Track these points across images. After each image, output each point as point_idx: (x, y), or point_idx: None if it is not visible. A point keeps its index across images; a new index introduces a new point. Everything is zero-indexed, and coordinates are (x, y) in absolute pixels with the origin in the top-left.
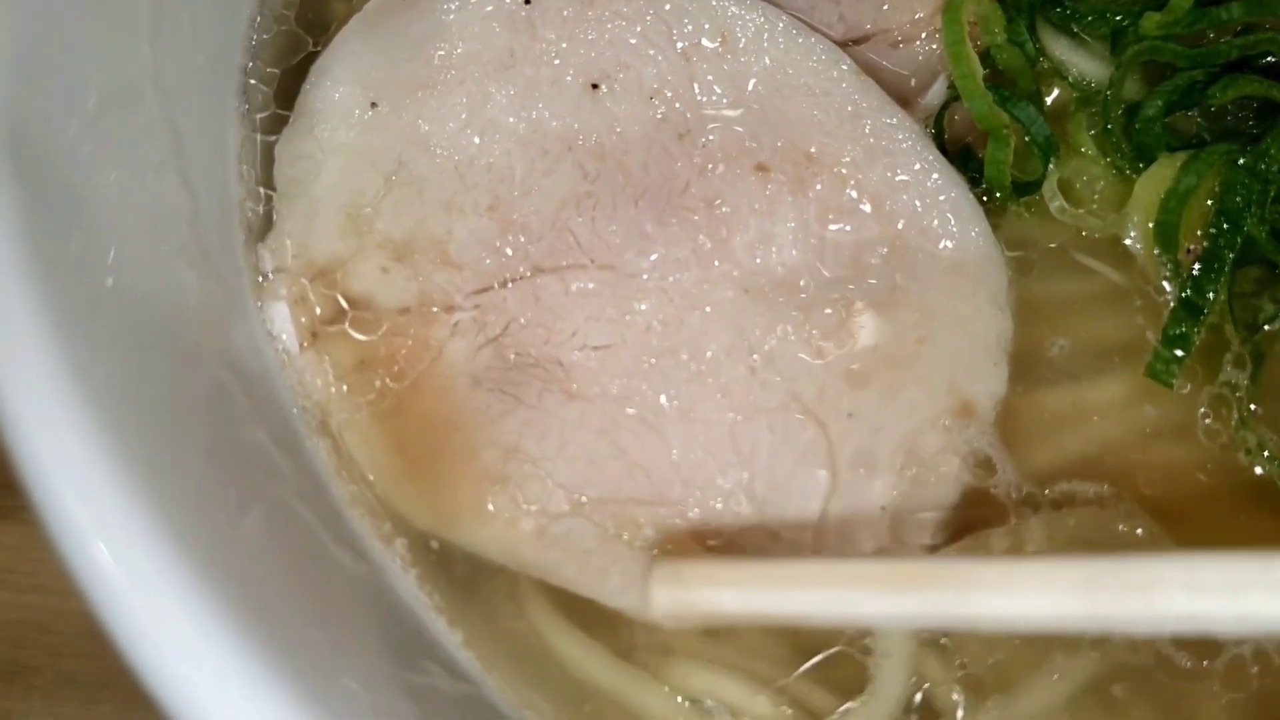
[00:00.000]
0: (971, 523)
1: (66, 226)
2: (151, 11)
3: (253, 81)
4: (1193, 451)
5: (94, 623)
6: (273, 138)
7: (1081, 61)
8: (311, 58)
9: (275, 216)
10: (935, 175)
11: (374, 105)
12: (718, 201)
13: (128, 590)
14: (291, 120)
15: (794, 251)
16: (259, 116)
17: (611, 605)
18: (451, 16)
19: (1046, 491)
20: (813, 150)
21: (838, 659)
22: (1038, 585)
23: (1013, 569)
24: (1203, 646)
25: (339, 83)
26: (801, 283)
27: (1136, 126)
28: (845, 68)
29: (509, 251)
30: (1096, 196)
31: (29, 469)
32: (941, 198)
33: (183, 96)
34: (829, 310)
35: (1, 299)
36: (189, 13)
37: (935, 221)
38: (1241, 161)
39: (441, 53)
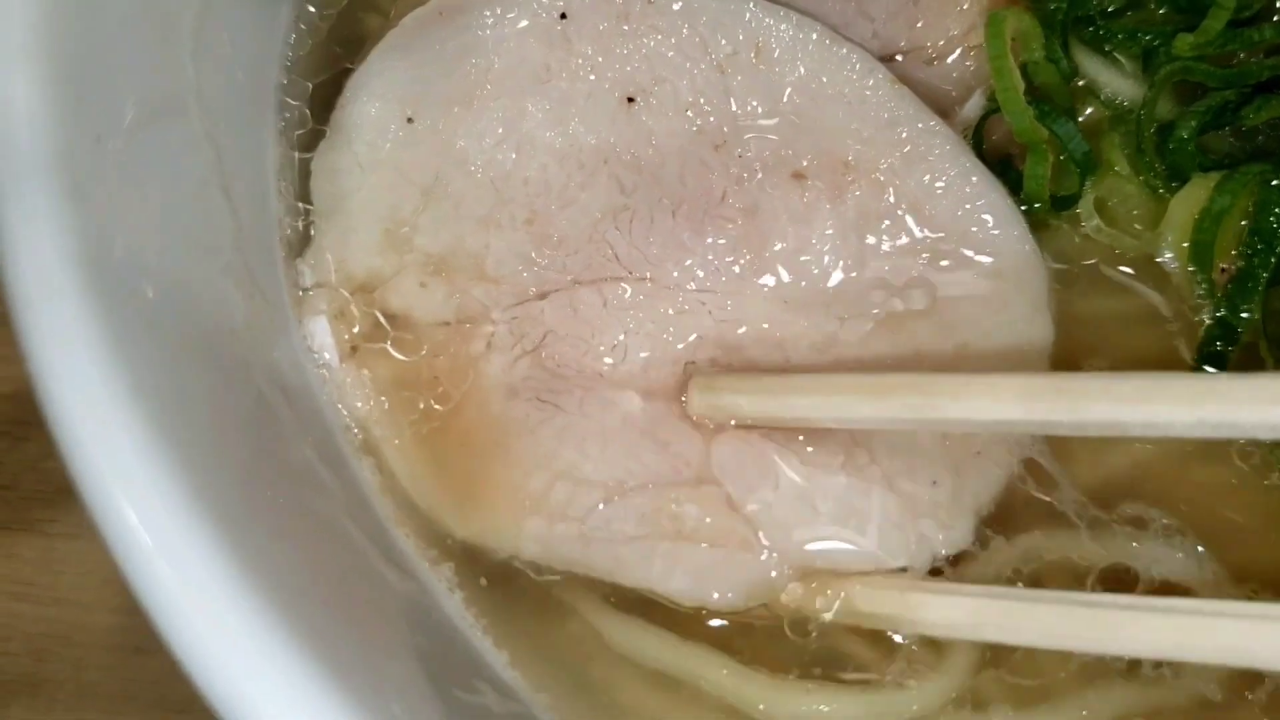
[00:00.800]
0: (1024, 523)
1: (116, 243)
2: (194, 29)
3: (288, 98)
4: (1228, 472)
5: (116, 636)
6: (309, 153)
7: (1114, 80)
8: (346, 73)
9: (314, 232)
10: (974, 178)
11: (410, 121)
12: (755, 211)
13: (188, 607)
14: (328, 135)
15: (833, 259)
16: (296, 133)
17: (658, 591)
18: (487, 32)
19: (1095, 503)
20: (850, 158)
21: None
22: (988, 395)
23: (968, 382)
24: (1244, 678)
25: (375, 98)
26: (841, 290)
27: (1170, 147)
28: (880, 76)
29: (546, 264)
30: (1132, 215)
31: (90, 488)
32: (981, 202)
33: (223, 112)
34: (867, 320)
35: (61, 320)
36: (228, 29)
37: (974, 226)
38: (1275, 182)
39: (477, 68)
